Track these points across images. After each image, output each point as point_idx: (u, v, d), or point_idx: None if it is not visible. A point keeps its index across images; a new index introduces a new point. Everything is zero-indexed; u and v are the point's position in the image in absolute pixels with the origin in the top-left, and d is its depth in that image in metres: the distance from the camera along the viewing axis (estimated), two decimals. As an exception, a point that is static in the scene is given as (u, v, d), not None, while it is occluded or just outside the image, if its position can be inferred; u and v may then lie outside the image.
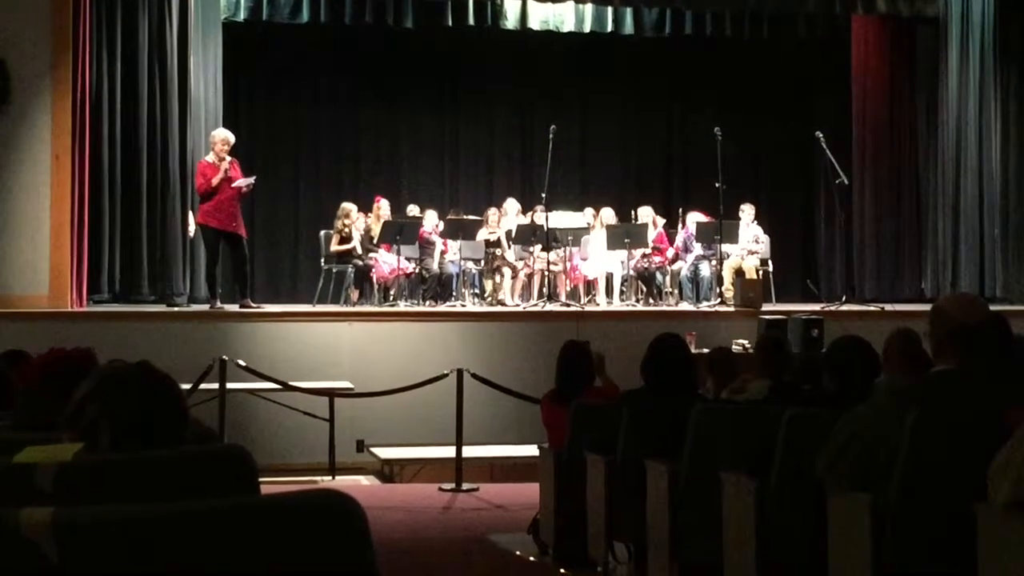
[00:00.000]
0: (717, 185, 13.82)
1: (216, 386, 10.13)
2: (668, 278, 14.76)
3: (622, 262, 14.24)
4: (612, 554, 6.54)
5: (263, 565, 2.11)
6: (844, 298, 13.95)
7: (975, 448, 3.85)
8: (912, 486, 4.04)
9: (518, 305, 13.90)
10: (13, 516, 2.05)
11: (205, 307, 12.65)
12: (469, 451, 10.39)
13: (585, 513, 6.56)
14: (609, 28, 15.72)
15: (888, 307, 13.47)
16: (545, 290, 14.05)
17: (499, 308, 13.64)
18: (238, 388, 10.75)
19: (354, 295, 13.81)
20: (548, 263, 14.02)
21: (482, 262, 14.49)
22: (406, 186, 16.68)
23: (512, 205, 15.00)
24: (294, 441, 11.28)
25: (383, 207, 14.38)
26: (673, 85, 17.56)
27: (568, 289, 14.48)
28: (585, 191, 16.94)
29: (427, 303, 13.70)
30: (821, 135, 14.44)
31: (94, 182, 12.57)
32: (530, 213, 14.89)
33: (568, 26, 15.57)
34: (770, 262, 14.90)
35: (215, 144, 12.58)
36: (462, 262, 14.18)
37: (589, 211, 15.31)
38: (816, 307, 13.36)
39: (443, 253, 14.36)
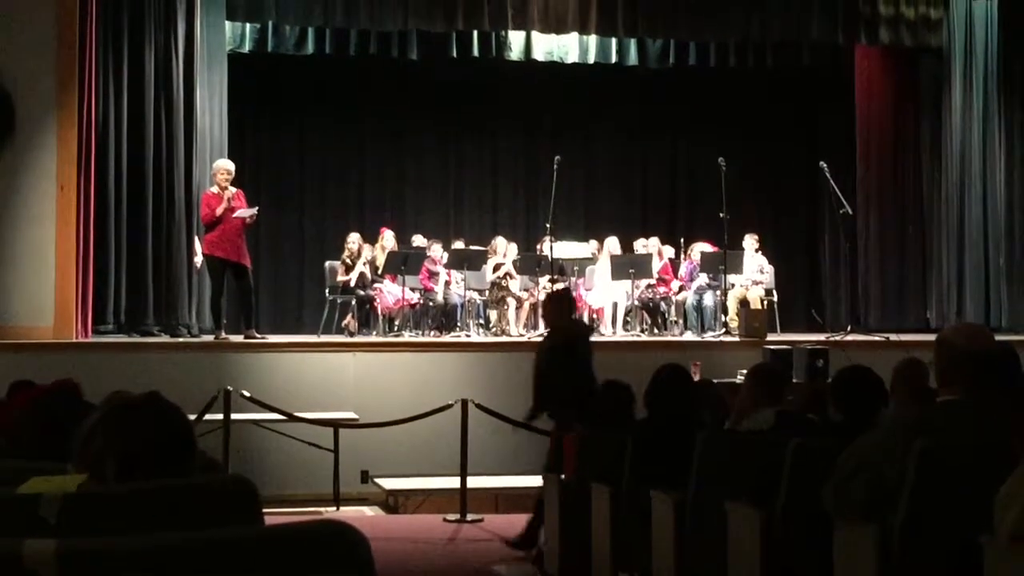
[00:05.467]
0: (721, 215, 13.82)
1: (220, 416, 10.14)
2: (673, 308, 14.76)
3: (627, 292, 14.24)
4: (617, 585, 6.51)
5: (267, 596, 2.11)
6: (849, 328, 13.92)
7: (981, 478, 3.84)
8: (918, 516, 4.03)
9: (523, 335, 13.90)
10: (17, 547, 2.05)
11: (210, 337, 12.65)
12: (474, 482, 10.36)
13: (590, 543, 6.54)
14: (613, 59, 15.78)
15: (893, 337, 13.44)
16: (550, 320, 14.05)
17: (504, 338, 13.64)
18: (243, 419, 10.74)
19: (352, 325, 13.77)
20: (553, 293, 14.02)
21: (487, 292, 14.50)
22: (411, 217, 16.70)
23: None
24: (298, 472, 11.26)
25: (387, 237, 14.40)
26: (677, 115, 17.59)
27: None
28: (590, 221, 16.96)
29: (432, 333, 13.70)
30: (825, 165, 14.44)
31: (99, 213, 12.59)
32: (538, 244, 14.90)
33: (572, 57, 15.62)
34: (775, 292, 14.90)
35: (217, 174, 12.65)
36: (467, 292, 14.19)
37: (594, 242, 15.33)
38: (821, 337, 13.34)
39: (447, 283, 14.36)
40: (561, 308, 9.15)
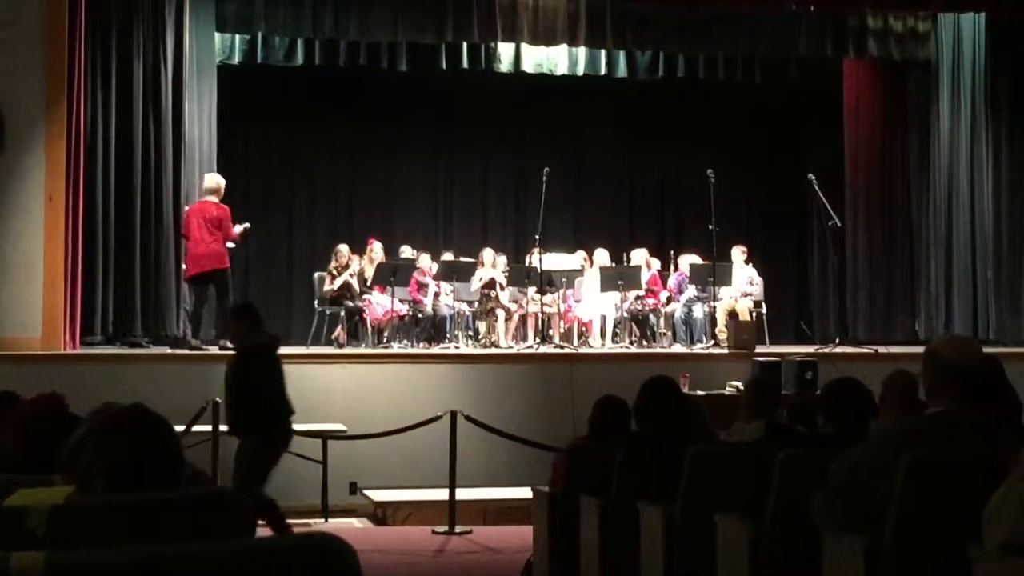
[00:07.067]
0: (710, 227, 13.84)
1: (209, 428, 10.11)
2: (661, 320, 14.76)
3: (616, 304, 14.24)
4: (606, 597, 6.50)
5: (256, 609, 2.10)
6: (838, 340, 13.95)
7: (970, 490, 3.84)
8: (907, 528, 4.03)
9: (512, 347, 13.89)
10: (5, 560, 2.04)
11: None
12: (462, 494, 10.35)
13: (579, 556, 6.53)
14: (603, 71, 15.81)
15: (882, 349, 13.47)
16: (538, 332, 14.05)
17: (493, 350, 13.63)
18: (231, 430, 10.71)
19: (341, 336, 13.75)
20: (542, 305, 14.03)
21: (476, 304, 14.50)
22: (400, 228, 16.69)
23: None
24: (287, 483, 11.18)
25: (376, 249, 14.39)
26: (666, 128, 17.61)
27: (562, 331, 14.47)
28: (579, 233, 16.98)
29: (420, 345, 13.69)
30: (813, 177, 14.47)
31: (88, 224, 12.58)
32: (528, 255, 14.90)
33: (562, 69, 15.65)
34: (763, 304, 14.91)
35: (222, 190, 12.75)
36: (456, 304, 14.19)
37: (582, 253, 15.33)
38: (810, 349, 13.35)
39: (436, 295, 14.35)
40: (247, 322, 8.89)
